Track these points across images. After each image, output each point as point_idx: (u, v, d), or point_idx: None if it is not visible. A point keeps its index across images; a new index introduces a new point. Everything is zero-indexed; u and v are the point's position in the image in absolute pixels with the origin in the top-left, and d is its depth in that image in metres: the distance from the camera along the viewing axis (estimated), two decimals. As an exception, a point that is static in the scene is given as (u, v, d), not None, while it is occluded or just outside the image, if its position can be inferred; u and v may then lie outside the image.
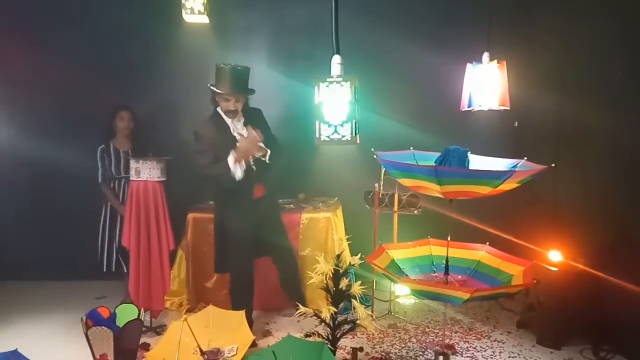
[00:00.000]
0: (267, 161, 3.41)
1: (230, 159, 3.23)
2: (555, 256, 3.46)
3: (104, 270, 4.03)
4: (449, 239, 2.75)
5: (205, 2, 3.55)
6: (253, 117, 3.49)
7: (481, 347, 3.43)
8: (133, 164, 3.39)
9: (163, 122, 4.62)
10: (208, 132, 3.36)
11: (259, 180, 3.47)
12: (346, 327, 2.83)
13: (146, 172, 3.38)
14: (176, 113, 4.68)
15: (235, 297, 3.52)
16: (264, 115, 3.60)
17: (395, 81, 4.51)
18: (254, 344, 3.09)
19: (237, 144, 3.25)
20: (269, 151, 3.38)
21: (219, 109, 3.43)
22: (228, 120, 3.41)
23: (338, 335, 2.81)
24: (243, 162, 3.25)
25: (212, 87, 3.38)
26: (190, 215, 4.01)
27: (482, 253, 2.93)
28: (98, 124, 4.13)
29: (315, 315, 2.80)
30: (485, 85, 3.04)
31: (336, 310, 2.75)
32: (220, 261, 3.59)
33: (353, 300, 2.77)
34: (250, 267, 3.53)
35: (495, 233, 3.40)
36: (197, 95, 4.66)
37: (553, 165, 2.40)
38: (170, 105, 4.67)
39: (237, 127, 3.41)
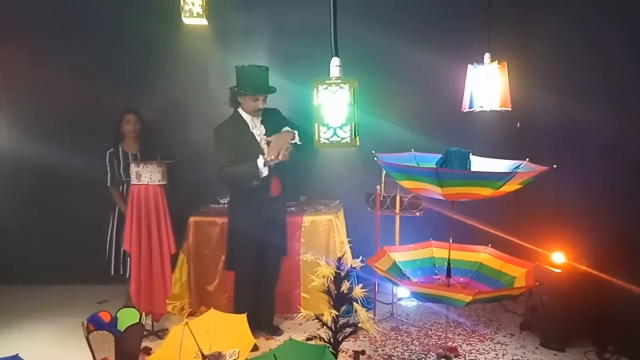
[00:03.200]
0: (299, 142, 3.42)
1: (260, 161, 3.30)
2: (558, 258, 3.44)
3: (112, 273, 4.04)
4: (450, 241, 2.74)
5: (204, 4, 3.54)
6: (273, 117, 3.54)
7: (484, 349, 3.41)
8: (134, 167, 3.39)
9: (167, 125, 4.64)
10: (228, 131, 3.43)
11: (277, 176, 3.47)
12: (348, 330, 2.82)
13: (147, 176, 3.38)
14: (179, 115, 4.69)
15: (238, 299, 3.54)
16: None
17: (396, 83, 4.51)
18: (255, 348, 3.08)
19: (270, 141, 3.33)
20: (296, 132, 3.42)
21: (240, 110, 3.48)
22: (248, 119, 3.46)
23: (340, 339, 2.79)
24: (271, 162, 3.32)
25: (235, 89, 3.42)
26: (192, 219, 4.00)
27: (484, 255, 2.92)
28: (101, 128, 4.14)
29: (317, 318, 2.79)
30: (487, 86, 3.03)
31: (338, 313, 2.73)
32: (230, 259, 3.60)
33: (355, 303, 2.76)
34: (255, 269, 3.51)
35: (498, 235, 3.39)
36: (198, 97, 4.70)
37: (555, 166, 2.39)
38: (173, 107, 4.68)
39: (257, 125, 3.47)
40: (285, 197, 3.71)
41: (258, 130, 3.47)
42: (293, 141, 3.39)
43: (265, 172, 3.32)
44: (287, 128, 3.43)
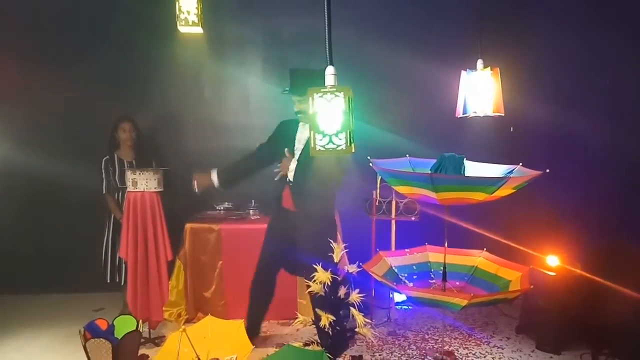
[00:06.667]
0: (290, 180, 3.35)
1: (214, 174, 3.42)
2: (552, 261, 3.47)
3: (108, 281, 4.03)
4: (446, 245, 2.76)
5: (199, 13, 3.57)
6: None
7: (480, 353, 3.43)
8: (130, 175, 3.40)
9: (162, 132, 4.66)
10: (282, 126, 3.46)
11: (291, 188, 3.34)
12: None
13: (143, 183, 3.39)
14: (174, 123, 4.71)
15: (249, 305, 3.56)
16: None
17: (390, 90, 4.54)
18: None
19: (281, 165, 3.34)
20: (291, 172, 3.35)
21: None
22: (301, 123, 3.37)
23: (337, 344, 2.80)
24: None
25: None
26: (188, 225, 4.00)
27: (479, 259, 2.94)
28: (96, 136, 4.15)
29: (314, 323, 2.79)
30: (480, 92, 3.06)
31: (335, 319, 2.74)
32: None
33: (352, 308, 2.77)
34: (265, 278, 3.49)
35: (493, 238, 3.42)
36: (193, 105, 4.72)
37: (548, 170, 2.42)
38: (168, 115, 4.70)
39: (304, 130, 3.34)
40: (309, 212, 3.25)
41: (303, 134, 3.33)
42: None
43: (215, 182, 3.44)
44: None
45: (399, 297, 4.11)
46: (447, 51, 4.18)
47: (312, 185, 3.25)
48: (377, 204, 3.83)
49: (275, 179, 3.37)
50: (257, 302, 3.54)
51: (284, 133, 3.41)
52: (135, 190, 3.40)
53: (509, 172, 2.59)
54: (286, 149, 3.33)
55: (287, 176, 3.34)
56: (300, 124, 3.37)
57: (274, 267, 3.51)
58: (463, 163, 2.59)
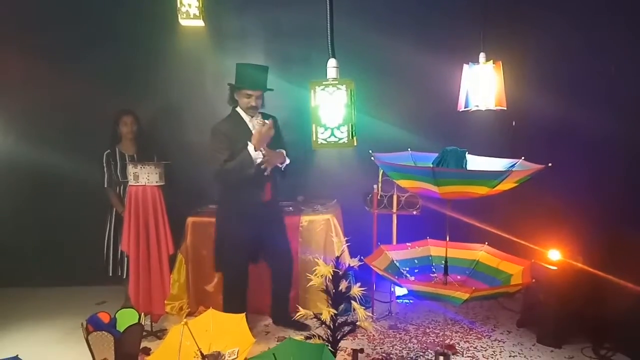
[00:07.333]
0: (283, 169, 3.56)
1: (250, 147, 3.32)
2: (554, 255, 3.47)
3: (110, 274, 4.04)
4: (447, 239, 2.76)
5: (200, 6, 3.56)
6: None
7: (482, 346, 3.44)
8: (131, 169, 3.40)
9: (164, 126, 4.65)
10: (226, 128, 3.45)
11: (271, 181, 3.54)
12: (346, 328, 2.84)
13: (144, 177, 3.39)
14: (176, 117, 4.71)
15: (226, 300, 3.60)
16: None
17: (393, 83, 4.53)
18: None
19: (254, 131, 3.37)
20: (287, 160, 3.54)
21: (238, 109, 3.50)
22: (247, 118, 3.48)
23: (338, 337, 2.81)
24: (261, 149, 3.34)
25: (233, 85, 3.45)
26: (190, 219, 4.01)
27: (481, 253, 2.93)
28: (97, 130, 4.15)
29: (316, 317, 2.80)
30: (482, 85, 3.05)
31: (336, 312, 2.75)
32: (218, 261, 3.67)
33: (353, 302, 2.77)
34: (242, 271, 3.59)
35: (494, 232, 3.41)
36: (195, 98, 4.71)
37: (550, 164, 2.41)
38: (169, 108, 4.69)
39: (255, 126, 3.47)
40: (278, 201, 3.77)
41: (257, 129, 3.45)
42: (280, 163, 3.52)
43: (259, 157, 3.33)
44: (282, 151, 3.55)
45: (400, 291, 4.11)
46: (449, 44, 4.16)
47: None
48: (378, 198, 3.83)
49: (266, 174, 3.44)
50: (235, 304, 3.51)
51: (232, 134, 3.43)
52: (137, 184, 3.40)
53: (511, 166, 2.58)
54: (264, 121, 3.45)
55: (273, 168, 3.48)
56: (248, 118, 3.48)
57: (249, 262, 3.63)
58: (465, 157, 2.58)
